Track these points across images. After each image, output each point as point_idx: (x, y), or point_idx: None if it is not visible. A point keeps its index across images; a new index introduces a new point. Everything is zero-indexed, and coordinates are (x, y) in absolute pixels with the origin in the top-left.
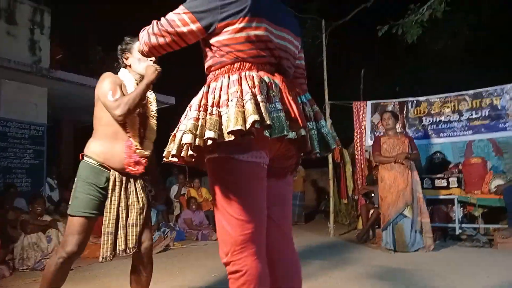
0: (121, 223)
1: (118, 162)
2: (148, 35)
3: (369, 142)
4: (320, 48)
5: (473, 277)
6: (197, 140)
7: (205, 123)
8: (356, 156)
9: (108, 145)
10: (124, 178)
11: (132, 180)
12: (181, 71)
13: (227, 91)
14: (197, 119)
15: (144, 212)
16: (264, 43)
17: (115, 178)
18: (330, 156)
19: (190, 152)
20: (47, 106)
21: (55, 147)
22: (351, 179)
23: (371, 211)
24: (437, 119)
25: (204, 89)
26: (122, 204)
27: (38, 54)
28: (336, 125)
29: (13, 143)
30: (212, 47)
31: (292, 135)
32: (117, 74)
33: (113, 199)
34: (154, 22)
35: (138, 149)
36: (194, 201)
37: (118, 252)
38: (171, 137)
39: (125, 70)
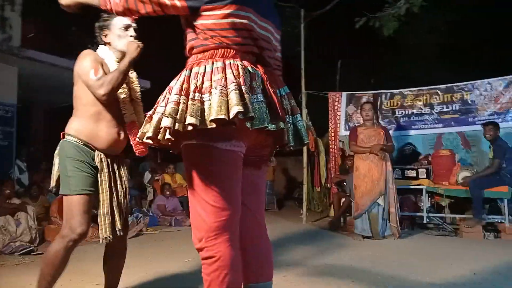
0: (115, 203)
1: (102, 142)
2: None
3: (343, 132)
4: (298, 38)
5: (438, 264)
6: (176, 124)
7: (186, 108)
8: (330, 146)
9: (91, 125)
10: (109, 159)
11: (115, 162)
12: (157, 53)
13: (211, 77)
14: (178, 103)
15: (127, 196)
16: (248, 31)
17: (101, 158)
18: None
19: (168, 136)
20: (17, 86)
21: (25, 128)
22: (324, 168)
23: (343, 200)
24: (410, 112)
25: (185, 72)
26: (113, 184)
27: (8, 32)
28: (312, 115)
29: None
30: (195, 29)
31: (271, 127)
32: (95, 51)
33: (103, 179)
34: None
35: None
36: (168, 187)
37: (118, 231)
38: (146, 118)
39: (104, 47)
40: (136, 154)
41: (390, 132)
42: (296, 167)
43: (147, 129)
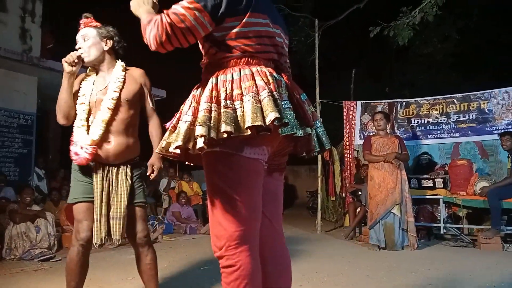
0: (103, 211)
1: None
2: (156, 30)
3: (358, 141)
4: (312, 47)
5: (456, 276)
6: (212, 132)
7: (219, 116)
8: (345, 155)
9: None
10: (103, 167)
11: (114, 170)
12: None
13: (240, 85)
14: (209, 111)
15: (123, 205)
16: (269, 39)
17: (95, 166)
18: (319, 155)
19: (201, 144)
20: (36, 96)
21: (43, 137)
22: (339, 177)
23: (358, 209)
24: (425, 121)
25: (212, 80)
26: (104, 193)
27: (28, 43)
28: (326, 124)
29: (1, 132)
30: (216, 39)
31: (299, 133)
32: None
33: (95, 187)
34: (161, 16)
35: (76, 141)
36: (184, 195)
37: (101, 240)
38: (169, 128)
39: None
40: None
41: (406, 141)
42: (310, 176)
43: (173, 138)
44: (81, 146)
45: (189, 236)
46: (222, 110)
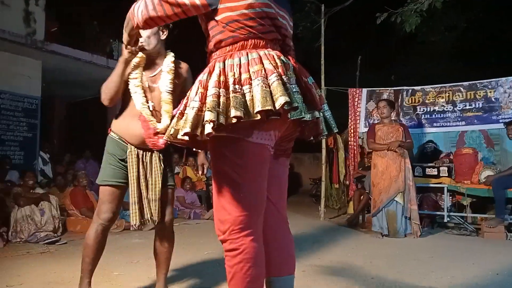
0: (143, 194)
1: (133, 137)
2: (145, 6)
3: (362, 129)
4: (318, 34)
5: (459, 264)
6: (221, 117)
7: (228, 101)
8: (349, 143)
9: (124, 121)
10: (141, 152)
11: (148, 155)
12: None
13: (248, 69)
14: (218, 96)
15: (157, 187)
16: (272, 20)
17: (131, 150)
18: (323, 141)
19: (209, 130)
20: (41, 79)
21: (48, 121)
22: (343, 165)
23: (362, 197)
24: (431, 109)
25: (219, 65)
26: (142, 177)
27: (32, 26)
28: (331, 111)
29: (6, 115)
30: (219, 23)
31: (307, 117)
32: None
33: (131, 171)
34: None
35: (151, 121)
36: (189, 181)
37: (146, 220)
38: (177, 114)
39: None
40: (151, 146)
41: (411, 129)
42: (314, 164)
43: (181, 125)
44: (156, 130)
45: (193, 221)
46: (231, 95)
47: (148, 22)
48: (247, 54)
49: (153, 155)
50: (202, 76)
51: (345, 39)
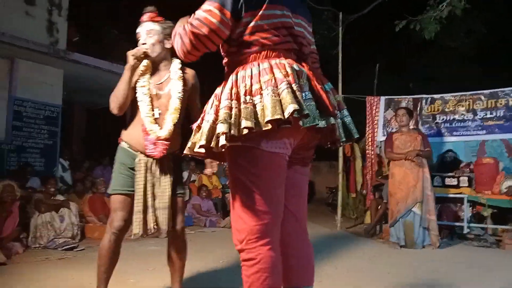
0: (149, 203)
1: (139, 144)
2: (181, 40)
3: (380, 137)
4: (335, 41)
5: (480, 277)
6: (232, 129)
7: (239, 112)
8: (366, 151)
9: (132, 129)
10: (149, 160)
11: (157, 163)
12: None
13: (259, 79)
14: (230, 108)
15: (166, 196)
16: (288, 29)
17: (139, 159)
18: (340, 149)
19: (223, 142)
20: (62, 88)
21: (68, 129)
22: (360, 174)
23: (380, 206)
24: (451, 118)
25: (232, 77)
26: (148, 184)
27: (55, 36)
28: None
29: (28, 123)
30: (234, 38)
31: (322, 123)
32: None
33: (138, 179)
34: (184, 25)
35: (151, 130)
36: (205, 189)
37: (149, 230)
38: (195, 128)
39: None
40: (149, 155)
41: (430, 138)
42: (331, 172)
43: (198, 138)
44: (156, 139)
45: (209, 229)
46: (242, 106)
47: (188, 57)
48: (259, 65)
49: (164, 163)
50: (218, 90)
51: (363, 46)
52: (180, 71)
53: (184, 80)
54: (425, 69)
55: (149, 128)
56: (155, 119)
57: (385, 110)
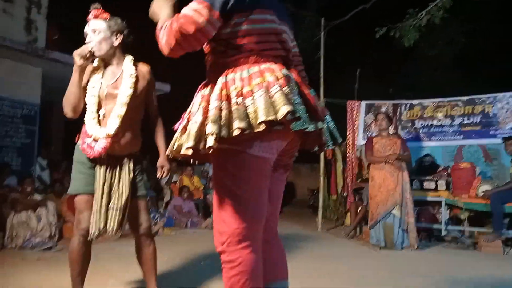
0: (103, 202)
1: None
2: (166, 36)
3: (361, 141)
4: (318, 46)
5: (457, 279)
6: (223, 130)
7: (231, 114)
8: (347, 154)
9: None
10: (107, 160)
11: (115, 163)
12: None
13: (250, 82)
14: (220, 109)
15: (124, 197)
16: (277, 36)
17: (100, 157)
18: (322, 153)
19: (211, 143)
20: (41, 87)
21: (46, 128)
22: (341, 176)
23: (359, 208)
24: (429, 123)
25: (221, 79)
26: (106, 184)
27: (34, 34)
28: None
29: (5, 122)
30: (223, 39)
31: (311, 127)
32: None
33: (97, 178)
34: (171, 21)
35: (92, 134)
36: (186, 190)
37: (99, 230)
38: (180, 129)
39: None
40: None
41: (409, 142)
42: (312, 175)
43: (184, 139)
44: (94, 139)
45: (190, 230)
46: (233, 107)
47: (173, 52)
48: (248, 69)
49: (123, 163)
50: (204, 91)
51: (345, 51)
52: (134, 68)
53: (137, 76)
54: (405, 75)
55: (89, 132)
56: (99, 120)
57: (366, 114)
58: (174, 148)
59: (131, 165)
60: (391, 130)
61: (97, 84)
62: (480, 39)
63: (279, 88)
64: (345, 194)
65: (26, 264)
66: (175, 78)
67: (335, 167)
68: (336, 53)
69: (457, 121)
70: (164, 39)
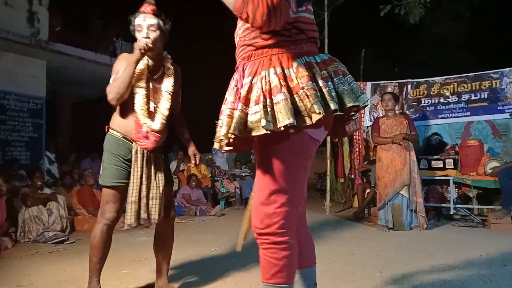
0: (143, 193)
1: (133, 135)
2: (256, 5)
3: (367, 122)
4: (321, 26)
5: (467, 256)
6: (306, 119)
7: (308, 98)
8: (354, 136)
9: (128, 120)
10: (145, 151)
11: (151, 154)
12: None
13: (297, 75)
14: (316, 90)
15: (161, 186)
16: (313, 24)
17: (136, 149)
18: (328, 136)
19: (316, 119)
20: (46, 79)
21: (53, 121)
22: (348, 159)
23: (368, 190)
24: (436, 101)
25: (275, 70)
26: (144, 175)
27: (36, 26)
28: None
29: (12, 116)
30: (291, 20)
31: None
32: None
33: (135, 170)
34: None
35: (144, 123)
36: (195, 178)
37: (142, 220)
38: (239, 116)
39: None
40: (140, 147)
41: (416, 121)
42: (319, 158)
43: (280, 116)
44: (147, 131)
45: (199, 218)
46: (309, 92)
47: (269, 25)
48: (319, 55)
49: (156, 154)
50: (264, 72)
51: (349, 31)
52: (172, 67)
53: (175, 75)
54: (412, 54)
55: (143, 121)
56: (149, 112)
57: (371, 95)
58: (235, 130)
59: (162, 155)
60: (397, 109)
61: (143, 77)
62: (487, 14)
63: (323, 83)
64: (352, 176)
65: (40, 257)
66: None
67: (341, 150)
68: (341, 33)
69: (464, 97)
70: (252, 8)
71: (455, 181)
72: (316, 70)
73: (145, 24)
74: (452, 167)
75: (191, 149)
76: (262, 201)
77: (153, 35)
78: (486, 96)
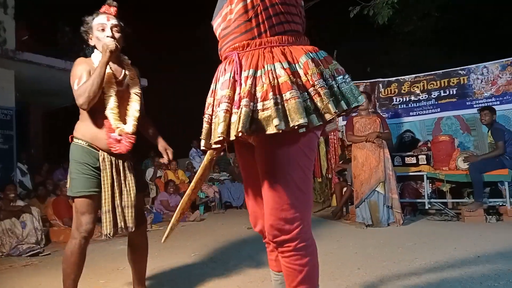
0: (117, 202)
1: (103, 142)
2: None
3: (341, 122)
4: None
5: (442, 249)
6: (317, 118)
7: (317, 99)
8: (329, 136)
9: (92, 126)
10: (113, 158)
11: (120, 161)
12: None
13: (306, 72)
14: (329, 88)
15: (133, 194)
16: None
17: (104, 157)
18: None
19: (329, 117)
20: (14, 90)
21: (24, 131)
22: (324, 158)
23: (345, 189)
24: (407, 99)
25: (281, 65)
26: (116, 183)
27: (2, 35)
28: None
29: None
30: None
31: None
32: (89, 57)
33: (105, 179)
34: None
35: (117, 127)
36: (172, 184)
37: (119, 229)
38: (245, 111)
39: (96, 52)
40: (113, 151)
41: (388, 120)
42: None
43: (273, 119)
44: (119, 135)
45: (178, 224)
46: (322, 91)
47: None
48: (320, 51)
49: (125, 161)
50: (268, 66)
51: (321, 32)
52: (133, 68)
53: (138, 77)
54: (382, 53)
55: (115, 125)
56: (120, 115)
57: None
58: (238, 129)
59: (131, 162)
60: (370, 108)
61: (112, 80)
62: (453, 12)
63: (333, 80)
64: (329, 176)
65: (14, 271)
66: (152, 73)
67: (318, 150)
68: (312, 34)
69: (434, 94)
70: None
71: (429, 176)
72: (322, 68)
73: (109, 24)
74: (425, 162)
75: (161, 144)
76: (279, 207)
77: (118, 35)
78: (454, 92)
